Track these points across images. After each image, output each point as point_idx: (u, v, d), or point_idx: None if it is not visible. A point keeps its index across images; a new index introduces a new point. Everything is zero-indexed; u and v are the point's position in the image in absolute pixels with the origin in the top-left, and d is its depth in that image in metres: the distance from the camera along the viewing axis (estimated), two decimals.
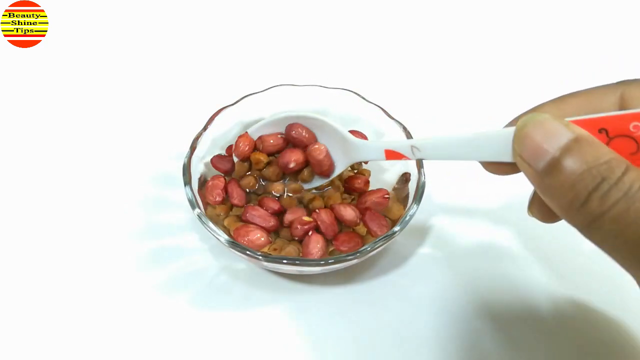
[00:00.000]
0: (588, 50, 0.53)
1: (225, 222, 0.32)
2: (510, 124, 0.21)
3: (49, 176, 0.38)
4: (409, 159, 0.25)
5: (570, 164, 0.16)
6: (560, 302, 0.32)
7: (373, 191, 0.33)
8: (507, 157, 0.19)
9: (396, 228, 0.28)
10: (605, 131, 0.17)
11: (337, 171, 0.32)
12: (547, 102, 0.21)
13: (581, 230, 0.17)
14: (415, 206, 0.30)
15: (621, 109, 0.19)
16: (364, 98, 0.36)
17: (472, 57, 0.52)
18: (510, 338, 0.30)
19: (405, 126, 0.34)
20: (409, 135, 0.34)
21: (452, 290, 0.33)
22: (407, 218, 0.29)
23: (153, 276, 0.33)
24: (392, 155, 0.25)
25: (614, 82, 0.21)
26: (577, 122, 0.17)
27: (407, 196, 0.32)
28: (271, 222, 0.31)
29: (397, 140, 0.25)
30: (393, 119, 0.35)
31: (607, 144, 0.17)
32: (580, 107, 0.20)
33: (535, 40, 0.55)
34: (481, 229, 0.36)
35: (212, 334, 0.30)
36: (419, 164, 0.32)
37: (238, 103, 0.35)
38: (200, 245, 0.34)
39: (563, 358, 0.30)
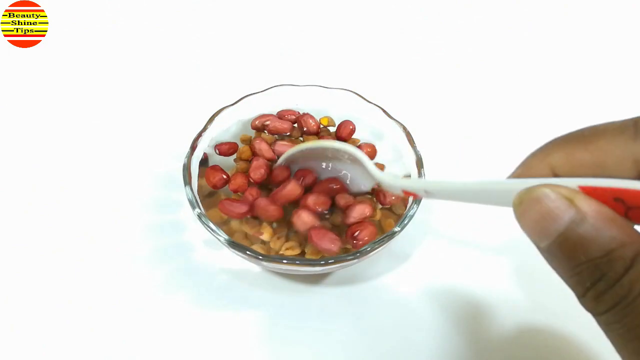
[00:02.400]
0: (589, 52, 0.53)
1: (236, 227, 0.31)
2: (515, 174, 0.20)
3: (49, 176, 0.38)
4: (424, 197, 0.26)
5: (569, 252, 0.15)
6: (560, 302, 0.32)
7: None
8: (510, 206, 0.18)
9: (396, 228, 0.28)
10: (621, 201, 0.15)
11: (364, 189, 0.32)
12: (538, 153, 0.19)
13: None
14: (415, 206, 0.30)
15: (638, 170, 0.17)
16: (364, 98, 0.36)
17: (472, 57, 0.52)
18: (510, 338, 0.30)
19: (405, 126, 0.34)
20: (409, 136, 0.34)
21: (452, 290, 0.33)
22: (407, 218, 0.29)
23: (153, 276, 0.33)
24: (409, 193, 0.27)
25: (626, 119, 0.17)
26: (587, 190, 0.15)
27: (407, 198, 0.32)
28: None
29: (413, 182, 0.28)
30: (393, 119, 0.35)
31: (625, 214, 0.15)
32: (587, 161, 0.17)
33: (535, 40, 0.55)
34: (481, 229, 0.36)
35: (212, 333, 0.30)
36: (419, 164, 0.32)
37: (238, 103, 0.35)
38: (200, 245, 0.34)
39: None
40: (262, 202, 0.29)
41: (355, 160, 0.31)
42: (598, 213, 0.14)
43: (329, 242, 0.28)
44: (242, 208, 0.30)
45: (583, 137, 0.17)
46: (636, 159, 0.16)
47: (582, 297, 0.15)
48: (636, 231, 0.14)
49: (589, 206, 0.14)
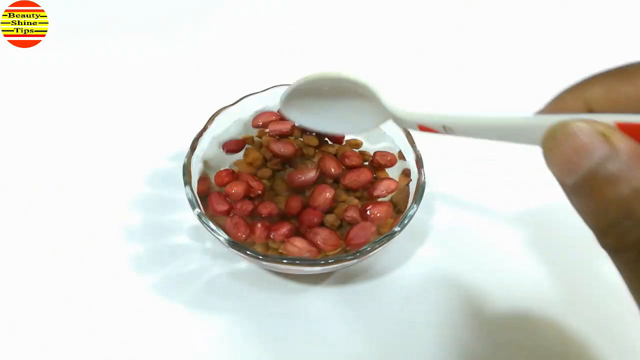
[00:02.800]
0: (588, 52, 0.53)
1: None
2: (546, 109, 0.19)
3: (49, 176, 0.38)
4: (442, 133, 0.24)
5: (597, 189, 0.14)
6: (560, 303, 0.32)
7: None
8: (537, 144, 0.17)
9: (396, 228, 0.28)
10: None
11: (365, 129, 0.31)
12: (574, 88, 0.18)
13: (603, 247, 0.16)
14: (415, 206, 0.30)
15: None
16: None
17: (472, 57, 0.52)
18: (509, 339, 0.30)
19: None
20: (409, 136, 0.34)
21: (452, 290, 0.33)
22: (407, 218, 0.29)
23: (153, 276, 0.33)
24: (424, 129, 0.25)
25: None
26: (625, 127, 0.15)
27: (407, 196, 0.32)
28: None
29: (430, 116, 0.25)
30: None
31: None
32: (629, 96, 0.17)
33: (537, 37, 0.55)
34: (481, 229, 0.36)
35: (212, 333, 0.30)
36: (419, 164, 0.32)
37: (238, 103, 0.35)
38: (200, 245, 0.34)
39: None
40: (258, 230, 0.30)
41: (363, 94, 0.28)
42: (633, 152, 0.14)
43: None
44: (225, 206, 0.31)
45: (626, 72, 0.16)
46: None
47: (604, 234, 0.15)
48: None
49: (624, 144, 0.14)
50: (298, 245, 0.29)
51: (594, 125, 0.15)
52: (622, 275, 0.15)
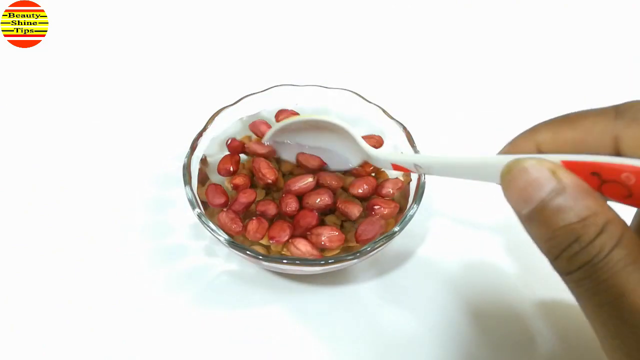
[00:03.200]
0: (589, 54, 0.53)
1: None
2: (503, 151, 0.21)
3: (49, 176, 0.38)
4: (414, 172, 0.27)
5: (548, 218, 0.16)
6: (561, 304, 0.32)
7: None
8: (498, 181, 0.20)
9: (396, 228, 0.28)
10: (598, 175, 0.17)
11: (351, 166, 0.33)
12: (526, 133, 0.20)
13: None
14: (415, 206, 0.30)
15: (615, 148, 0.18)
16: (364, 98, 0.36)
17: (472, 57, 0.52)
18: (509, 339, 0.30)
19: (405, 126, 0.34)
20: (409, 136, 0.34)
21: (452, 290, 0.33)
22: (407, 218, 0.29)
23: (153, 276, 0.33)
24: (398, 168, 0.28)
25: (608, 106, 0.19)
26: (568, 164, 0.17)
27: (407, 196, 0.32)
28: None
29: (402, 156, 0.28)
30: (393, 119, 0.35)
31: (600, 187, 0.17)
32: (570, 139, 0.19)
33: (534, 41, 0.55)
34: (481, 229, 0.36)
35: (212, 334, 0.30)
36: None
37: (238, 103, 0.35)
38: (200, 245, 0.34)
39: None
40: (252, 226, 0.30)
41: (342, 135, 0.31)
42: (576, 185, 0.16)
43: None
44: (222, 199, 0.31)
45: (569, 119, 0.19)
46: (614, 136, 0.18)
47: (555, 259, 0.17)
48: (607, 203, 0.16)
49: (568, 178, 0.16)
50: (302, 248, 0.29)
51: (543, 163, 0.17)
52: (574, 296, 0.17)
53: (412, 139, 0.33)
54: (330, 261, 0.27)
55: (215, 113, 0.34)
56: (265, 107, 0.37)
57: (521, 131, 0.21)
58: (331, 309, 0.31)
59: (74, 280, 0.32)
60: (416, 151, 0.33)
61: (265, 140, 0.34)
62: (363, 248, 0.27)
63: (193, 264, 0.33)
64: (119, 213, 0.36)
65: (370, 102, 0.36)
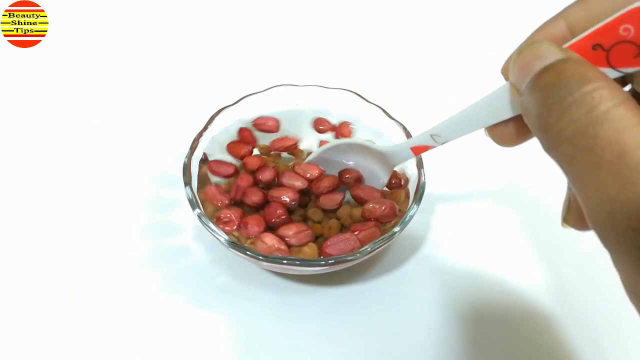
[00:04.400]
0: None
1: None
2: (531, 37, 0.20)
3: (49, 176, 0.38)
4: (434, 147, 0.26)
5: (546, 80, 0.15)
6: (560, 304, 0.32)
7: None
8: (508, 113, 0.19)
9: (396, 228, 0.28)
10: (599, 46, 0.16)
11: (384, 182, 0.33)
12: (556, 15, 0.19)
13: (547, 152, 0.16)
14: (415, 206, 0.30)
15: (572, 35, 0.18)
16: (364, 98, 0.36)
17: (473, 57, 0.52)
18: (509, 338, 0.30)
19: (405, 126, 0.34)
20: (409, 135, 0.34)
21: (452, 290, 0.33)
22: (407, 218, 0.29)
23: (153, 276, 0.32)
24: (418, 149, 0.27)
25: None
26: (571, 46, 0.17)
27: (407, 196, 0.32)
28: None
29: (418, 135, 0.27)
30: (393, 119, 0.35)
31: (607, 60, 0.16)
32: (607, 11, 0.17)
33: None
34: (481, 229, 0.36)
35: (212, 334, 0.30)
36: (419, 164, 0.32)
37: (238, 103, 0.35)
38: (200, 245, 0.34)
39: None
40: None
41: (362, 155, 0.31)
42: (582, 59, 0.16)
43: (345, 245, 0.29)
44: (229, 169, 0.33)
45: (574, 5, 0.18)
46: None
47: (550, 123, 0.15)
48: (607, 77, 0.15)
49: (572, 54, 0.16)
50: (267, 242, 0.29)
51: (554, 44, 0.16)
52: (565, 164, 0.15)
53: None
54: (330, 261, 0.27)
55: (215, 113, 0.34)
56: (266, 107, 0.37)
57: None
58: (331, 309, 0.31)
59: (74, 280, 0.32)
60: None
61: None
62: (363, 248, 0.27)
63: (193, 264, 0.33)
64: (119, 213, 0.36)
65: (370, 102, 0.36)
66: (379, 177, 0.33)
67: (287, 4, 0.58)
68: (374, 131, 0.36)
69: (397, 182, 0.34)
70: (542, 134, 0.16)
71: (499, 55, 0.56)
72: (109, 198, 0.37)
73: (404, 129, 0.34)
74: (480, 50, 0.53)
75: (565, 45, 0.17)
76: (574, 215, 0.20)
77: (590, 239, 0.21)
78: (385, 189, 0.34)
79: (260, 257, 0.27)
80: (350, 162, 0.34)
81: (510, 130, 0.21)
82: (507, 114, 0.20)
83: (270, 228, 0.31)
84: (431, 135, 0.25)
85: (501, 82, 0.21)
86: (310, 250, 0.30)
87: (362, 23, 0.56)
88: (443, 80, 0.49)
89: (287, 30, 0.54)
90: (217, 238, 0.28)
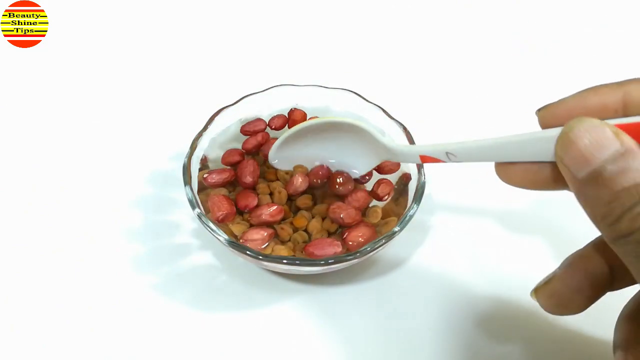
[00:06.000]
0: (591, 53, 0.53)
1: (234, 229, 0.31)
2: (583, 94, 0.20)
3: (49, 176, 0.38)
4: (444, 162, 0.25)
5: (611, 179, 0.16)
6: None
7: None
8: (546, 158, 0.19)
9: (396, 228, 0.28)
10: None
11: (361, 172, 0.32)
12: (570, 97, 0.19)
13: (607, 241, 0.17)
14: (415, 206, 0.30)
15: (624, 109, 0.18)
16: (364, 98, 0.36)
17: (473, 57, 0.52)
18: (509, 338, 0.30)
19: (406, 126, 0.34)
20: (409, 135, 0.34)
21: (452, 290, 0.33)
22: (407, 218, 0.29)
23: (153, 276, 0.32)
24: (426, 159, 0.26)
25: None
26: (622, 127, 0.16)
27: (406, 196, 0.32)
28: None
29: (431, 145, 0.25)
30: (393, 119, 0.35)
31: None
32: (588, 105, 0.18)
33: (535, 41, 0.55)
34: (481, 229, 0.36)
35: (212, 334, 0.30)
36: (419, 165, 0.32)
37: (238, 103, 0.35)
38: (200, 245, 0.34)
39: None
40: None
41: (357, 136, 0.29)
42: (638, 148, 0.16)
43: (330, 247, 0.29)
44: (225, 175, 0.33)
45: (590, 89, 0.18)
46: (622, 97, 0.17)
47: (615, 222, 0.16)
48: None
49: (631, 141, 0.16)
50: (255, 236, 0.30)
51: (606, 124, 0.16)
52: (631, 260, 0.16)
53: (412, 139, 0.33)
54: (330, 261, 0.27)
55: (215, 113, 0.34)
56: (265, 107, 0.37)
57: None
58: (331, 309, 0.31)
59: (74, 280, 0.32)
60: None
61: (272, 156, 0.33)
62: (363, 248, 0.27)
63: (193, 264, 0.33)
64: (119, 213, 0.36)
65: (370, 102, 0.36)
66: (355, 166, 0.31)
67: (287, 4, 0.58)
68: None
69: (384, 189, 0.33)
70: (608, 230, 0.16)
71: (499, 55, 0.57)
72: (109, 198, 0.37)
73: (404, 129, 0.34)
74: (480, 51, 0.53)
75: (615, 123, 0.17)
76: (549, 295, 0.21)
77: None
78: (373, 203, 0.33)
79: (260, 257, 0.27)
80: (330, 146, 0.32)
81: (546, 175, 0.20)
82: (546, 158, 0.19)
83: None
84: (446, 153, 0.24)
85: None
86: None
87: (362, 23, 0.56)
88: (443, 80, 0.49)
89: (287, 30, 0.54)
90: (217, 238, 0.28)
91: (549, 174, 0.20)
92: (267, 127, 0.36)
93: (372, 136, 0.29)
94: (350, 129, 0.30)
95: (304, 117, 0.37)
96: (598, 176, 0.16)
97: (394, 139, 0.32)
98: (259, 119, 0.36)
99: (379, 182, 0.34)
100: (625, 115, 0.18)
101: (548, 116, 0.20)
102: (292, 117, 0.37)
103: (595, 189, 0.16)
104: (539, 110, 0.21)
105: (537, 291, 0.22)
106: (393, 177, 0.35)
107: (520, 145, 0.20)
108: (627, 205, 0.15)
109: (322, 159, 0.33)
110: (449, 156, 0.24)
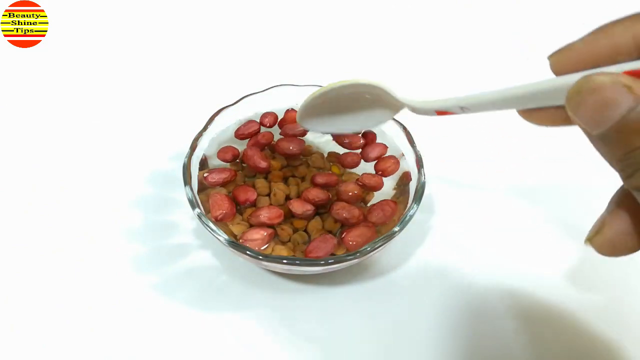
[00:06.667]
0: None
1: (234, 229, 0.31)
2: (592, 36, 0.18)
3: (49, 176, 0.38)
4: (459, 114, 0.25)
5: (624, 138, 0.15)
6: (559, 303, 0.32)
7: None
8: (560, 102, 0.18)
9: (396, 228, 0.28)
10: None
11: (379, 123, 0.31)
12: (625, 20, 0.18)
13: (627, 187, 0.16)
14: (415, 206, 0.30)
15: (638, 49, 0.17)
16: None
17: (473, 57, 0.52)
18: (509, 338, 0.30)
19: (405, 126, 0.34)
20: (409, 136, 0.34)
21: (452, 290, 0.33)
22: (407, 218, 0.29)
23: (153, 276, 0.32)
24: (442, 113, 0.26)
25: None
26: (634, 73, 0.15)
27: (406, 196, 0.32)
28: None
29: (444, 100, 0.25)
30: (393, 119, 0.35)
31: None
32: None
33: (535, 41, 0.55)
34: (481, 228, 0.36)
35: (212, 334, 0.30)
36: (419, 165, 0.32)
37: (238, 103, 0.35)
38: (200, 245, 0.34)
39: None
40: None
41: (373, 95, 0.29)
42: None
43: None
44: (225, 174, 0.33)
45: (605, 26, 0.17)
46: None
47: (630, 177, 0.15)
48: None
49: None
50: (255, 236, 0.30)
51: (617, 78, 0.15)
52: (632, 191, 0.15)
53: (412, 139, 0.33)
54: (330, 261, 0.27)
55: (215, 113, 0.34)
56: (265, 107, 0.37)
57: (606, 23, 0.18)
58: (331, 309, 0.31)
59: (74, 280, 0.32)
60: (416, 151, 0.33)
61: (299, 118, 0.31)
62: (363, 248, 0.27)
63: (193, 264, 0.33)
64: (119, 213, 0.36)
65: None
66: (374, 120, 0.31)
67: (287, 4, 0.58)
68: (374, 131, 0.36)
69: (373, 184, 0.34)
70: (621, 178, 0.16)
71: (499, 55, 0.56)
72: (109, 198, 0.37)
73: (404, 128, 0.34)
74: (480, 50, 0.53)
75: (624, 71, 0.16)
76: (603, 241, 0.20)
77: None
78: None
79: (260, 257, 0.27)
80: (351, 104, 0.31)
81: (562, 114, 0.19)
82: (560, 102, 0.18)
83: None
84: (460, 107, 0.24)
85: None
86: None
87: (362, 23, 0.56)
88: (443, 80, 0.49)
89: (287, 30, 0.54)
90: (217, 238, 0.28)
91: (566, 114, 0.19)
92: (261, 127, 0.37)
93: (389, 94, 0.29)
94: (367, 89, 0.30)
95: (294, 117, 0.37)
96: (612, 135, 0.15)
97: (409, 96, 0.31)
98: (251, 121, 0.36)
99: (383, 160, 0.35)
100: None
101: (560, 62, 0.19)
102: (286, 117, 0.37)
103: (608, 147, 0.16)
104: (550, 55, 0.20)
105: (592, 240, 0.21)
106: (393, 177, 0.35)
107: (531, 96, 0.20)
108: (639, 164, 0.15)
109: (343, 120, 0.32)
110: (464, 109, 0.24)
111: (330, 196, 0.32)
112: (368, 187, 0.34)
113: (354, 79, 0.29)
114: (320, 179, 0.33)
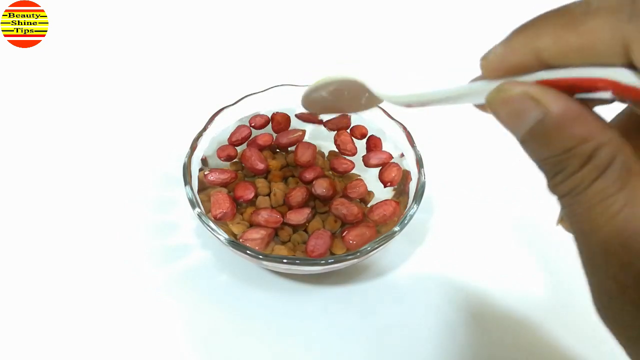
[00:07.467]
0: None
1: (234, 229, 0.31)
2: (498, 52, 0.19)
3: (49, 176, 0.38)
4: (418, 107, 0.25)
5: (535, 148, 0.16)
6: (557, 306, 0.32)
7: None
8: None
9: (396, 228, 0.28)
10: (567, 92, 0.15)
11: (368, 108, 0.30)
12: (526, 34, 0.17)
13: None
14: (415, 206, 0.30)
15: (627, 56, 0.15)
16: None
17: (473, 57, 0.52)
18: (507, 339, 0.30)
19: (405, 126, 0.34)
20: (409, 136, 0.34)
21: (452, 290, 0.33)
22: (407, 218, 0.29)
23: (153, 276, 0.33)
24: (409, 106, 0.26)
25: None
26: (546, 83, 0.15)
27: (406, 196, 0.32)
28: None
29: (410, 96, 0.25)
30: (393, 119, 0.35)
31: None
32: (576, 47, 0.15)
33: None
34: (481, 229, 0.36)
35: (212, 333, 0.30)
36: (419, 165, 0.32)
37: (238, 103, 0.35)
38: (200, 244, 0.34)
39: None
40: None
41: (360, 86, 0.29)
42: (563, 112, 0.15)
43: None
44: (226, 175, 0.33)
45: (573, 18, 0.16)
46: (625, 43, 0.14)
47: (547, 185, 0.16)
48: (601, 123, 0.15)
49: (555, 105, 0.15)
50: (255, 236, 0.30)
51: (526, 89, 0.16)
52: (570, 219, 0.16)
53: (412, 139, 0.33)
54: (330, 261, 0.27)
55: (215, 113, 0.34)
56: (265, 107, 0.37)
57: (518, 28, 0.18)
58: (331, 309, 0.31)
59: (74, 280, 0.32)
60: (416, 151, 0.33)
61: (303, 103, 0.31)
62: (363, 248, 0.27)
63: (193, 264, 0.33)
64: (119, 213, 0.36)
65: None
66: (363, 106, 0.31)
67: (287, 4, 0.58)
68: (374, 131, 0.36)
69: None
70: (549, 183, 0.17)
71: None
72: (109, 198, 0.37)
73: (404, 128, 0.34)
74: (480, 50, 0.53)
75: (537, 81, 0.16)
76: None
77: None
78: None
79: (260, 257, 0.27)
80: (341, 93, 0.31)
81: None
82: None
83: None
84: (421, 103, 0.24)
85: None
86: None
87: (362, 23, 0.56)
88: (443, 81, 0.49)
89: (286, 30, 0.54)
90: (217, 237, 0.28)
91: None
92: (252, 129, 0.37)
93: (368, 89, 0.29)
94: (352, 83, 0.30)
95: (286, 118, 0.37)
96: (526, 144, 0.16)
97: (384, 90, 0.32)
98: (242, 126, 0.36)
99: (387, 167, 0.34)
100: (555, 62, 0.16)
101: (485, 67, 0.20)
102: (275, 117, 0.37)
103: (528, 151, 0.17)
104: (481, 58, 0.20)
105: (562, 222, 0.22)
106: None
107: (461, 96, 0.21)
108: (550, 175, 0.16)
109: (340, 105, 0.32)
110: (424, 104, 0.25)
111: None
112: (340, 172, 0.34)
113: (328, 75, 0.30)
114: (308, 175, 0.33)
